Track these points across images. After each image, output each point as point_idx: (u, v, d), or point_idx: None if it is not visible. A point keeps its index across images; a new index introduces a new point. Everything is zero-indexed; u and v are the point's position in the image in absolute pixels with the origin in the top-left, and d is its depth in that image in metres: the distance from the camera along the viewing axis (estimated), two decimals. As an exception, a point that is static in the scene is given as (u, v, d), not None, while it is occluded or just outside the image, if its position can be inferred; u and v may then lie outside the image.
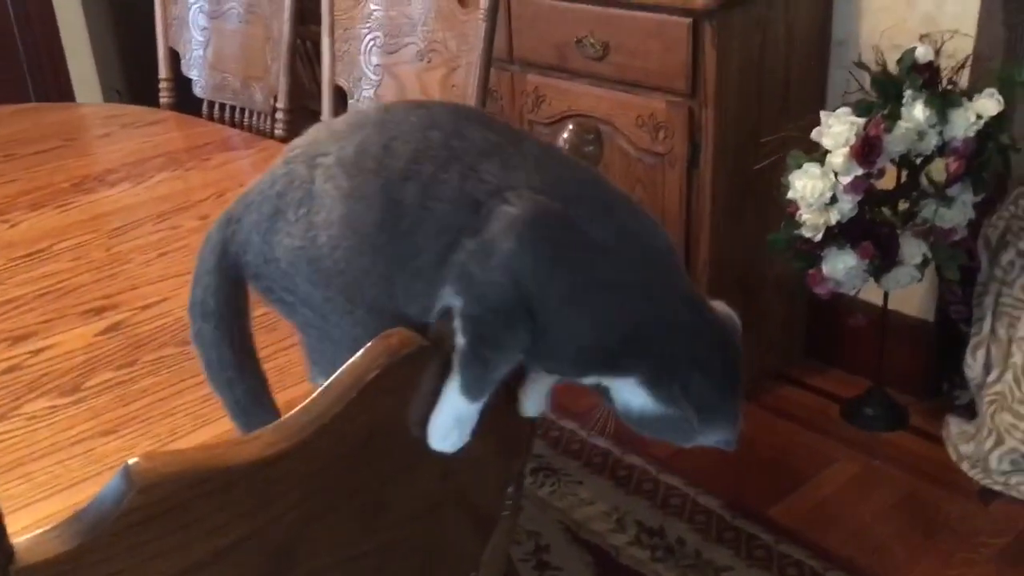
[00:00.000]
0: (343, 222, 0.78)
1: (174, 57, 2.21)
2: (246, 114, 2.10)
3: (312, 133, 0.87)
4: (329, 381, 0.58)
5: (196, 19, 2.14)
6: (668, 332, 0.77)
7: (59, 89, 3.54)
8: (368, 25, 1.78)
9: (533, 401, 0.81)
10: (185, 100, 2.22)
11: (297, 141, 0.86)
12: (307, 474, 0.56)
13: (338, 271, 0.79)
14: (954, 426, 2.26)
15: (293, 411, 0.57)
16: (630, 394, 0.77)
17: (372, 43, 1.78)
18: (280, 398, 1.10)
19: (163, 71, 2.19)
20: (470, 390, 0.70)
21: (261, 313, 1.29)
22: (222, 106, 2.15)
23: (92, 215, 1.62)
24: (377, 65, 1.77)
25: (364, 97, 1.80)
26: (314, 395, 0.57)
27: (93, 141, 2.00)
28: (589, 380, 0.78)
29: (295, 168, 0.83)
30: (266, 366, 1.16)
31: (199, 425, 1.06)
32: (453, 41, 1.61)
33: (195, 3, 2.14)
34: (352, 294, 0.77)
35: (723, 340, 0.80)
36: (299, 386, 1.12)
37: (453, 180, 0.75)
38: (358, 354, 0.58)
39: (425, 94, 1.69)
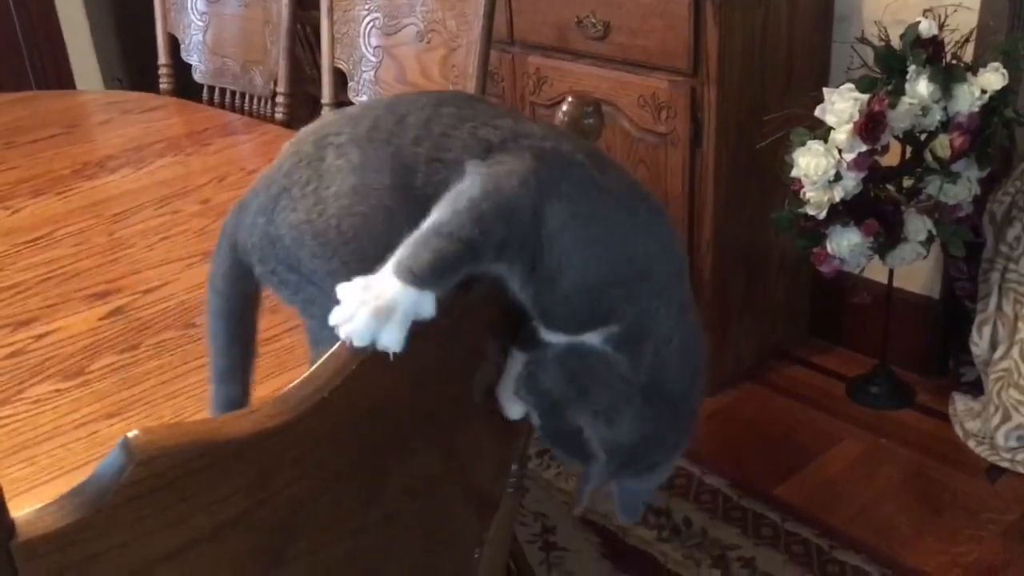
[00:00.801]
0: (354, 191, 0.79)
1: (173, 43, 2.20)
2: (246, 99, 2.09)
3: (322, 119, 0.89)
4: (328, 354, 0.57)
5: (195, 4, 2.13)
6: (666, 281, 0.76)
7: (60, 78, 3.54)
8: (367, 6, 1.77)
9: (515, 402, 0.79)
10: (185, 86, 2.22)
11: (307, 127, 0.88)
12: (307, 448, 0.56)
13: (344, 241, 0.79)
14: (960, 403, 2.26)
15: (292, 384, 0.57)
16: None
17: (371, 24, 1.77)
18: (283, 379, 1.11)
19: (162, 57, 2.19)
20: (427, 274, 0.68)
21: (264, 296, 1.29)
22: (222, 91, 2.14)
23: (93, 201, 1.62)
24: (377, 47, 1.76)
25: (364, 79, 1.79)
26: (313, 368, 0.57)
27: (93, 128, 1.99)
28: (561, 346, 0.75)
29: (303, 149, 0.84)
30: (269, 347, 1.17)
31: (203, 407, 1.06)
32: (452, 21, 1.60)
33: (194, -12, 2.13)
34: (358, 264, 0.76)
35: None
36: (302, 367, 1.12)
37: (463, 134, 0.77)
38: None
39: (425, 75, 1.68)
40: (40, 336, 1.22)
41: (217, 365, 0.95)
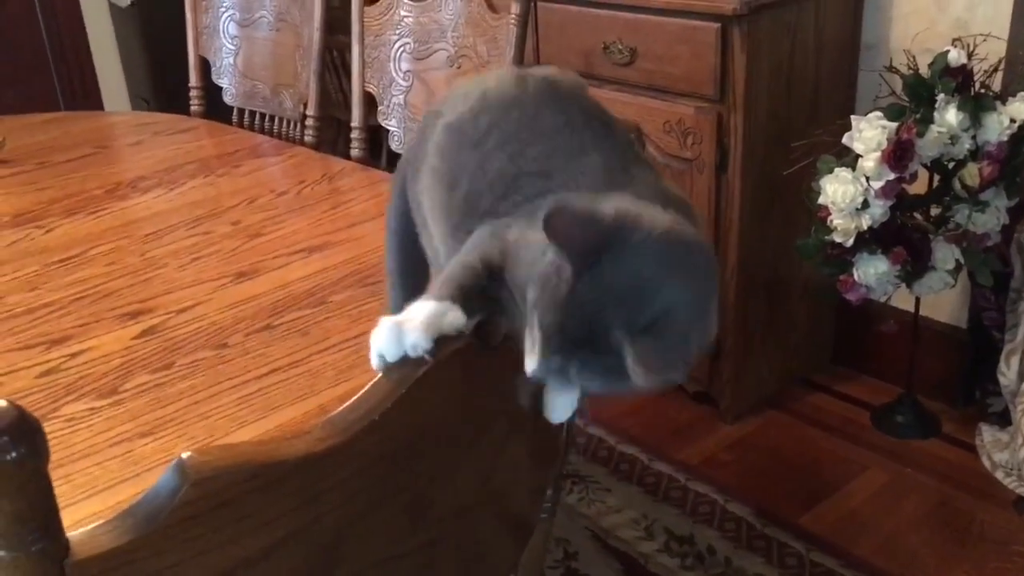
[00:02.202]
0: (430, 173, 0.94)
1: (204, 65, 2.23)
2: (275, 121, 2.11)
3: (451, 91, 1.02)
4: (377, 379, 0.58)
5: (227, 28, 2.15)
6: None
7: (87, 98, 3.58)
8: (398, 31, 1.79)
9: (561, 406, 0.81)
10: (214, 108, 2.24)
11: (446, 93, 1.04)
12: (355, 471, 0.56)
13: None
14: (987, 434, 2.24)
15: (343, 407, 0.57)
16: None
17: (402, 49, 1.78)
18: (314, 401, 1.12)
19: (193, 79, 2.21)
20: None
21: (294, 318, 1.30)
22: (252, 113, 2.16)
23: (125, 221, 1.63)
24: (407, 71, 1.78)
25: (394, 103, 1.81)
26: (363, 391, 0.57)
27: (125, 149, 2.01)
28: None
29: (428, 118, 0.99)
30: (299, 370, 1.18)
31: (235, 427, 1.07)
32: (483, 46, 1.62)
33: (225, 12, 2.15)
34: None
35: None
36: (333, 389, 1.13)
37: (503, 159, 0.86)
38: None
39: (455, 100, 1.69)
40: (74, 355, 1.23)
41: (393, 299, 1.08)
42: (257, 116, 2.15)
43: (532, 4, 1.55)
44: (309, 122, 1.99)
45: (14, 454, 0.43)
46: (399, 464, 0.60)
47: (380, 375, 0.59)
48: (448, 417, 0.64)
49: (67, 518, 0.64)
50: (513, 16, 1.53)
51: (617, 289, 0.71)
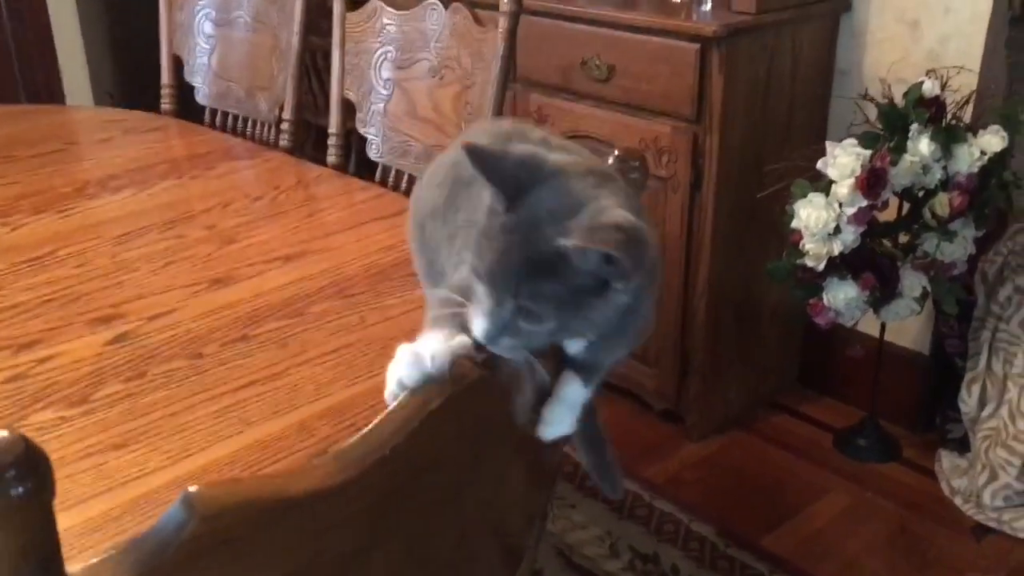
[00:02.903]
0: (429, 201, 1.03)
1: (176, 63, 2.19)
2: (249, 123, 2.08)
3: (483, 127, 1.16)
4: (386, 412, 0.56)
5: (202, 26, 2.12)
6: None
7: (50, 90, 3.50)
8: (380, 39, 1.77)
9: (557, 421, 0.81)
10: (184, 106, 2.20)
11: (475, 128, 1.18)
12: (362, 506, 0.54)
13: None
14: (947, 460, 2.27)
15: (352, 440, 0.56)
16: None
17: (383, 57, 1.76)
18: (293, 417, 1.09)
19: (165, 77, 2.17)
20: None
21: (272, 329, 1.28)
22: (224, 114, 2.12)
23: (95, 221, 1.59)
24: (388, 79, 1.76)
25: (372, 111, 1.79)
26: (372, 425, 0.55)
27: (94, 146, 1.97)
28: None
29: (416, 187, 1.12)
30: (277, 383, 1.16)
31: (212, 442, 1.04)
32: (468, 59, 1.60)
33: (201, 10, 2.12)
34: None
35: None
36: (313, 404, 1.10)
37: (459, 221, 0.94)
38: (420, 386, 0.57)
39: (437, 110, 1.68)
40: (42, 360, 1.19)
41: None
42: (230, 117, 2.11)
43: (519, 19, 1.54)
44: (284, 126, 1.96)
45: (21, 489, 0.41)
46: (405, 497, 0.59)
47: (390, 407, 0.58)
48: (455, 449, 0.63)
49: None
50: (501, 31, 1.52)
51: (549, 207, 0.76)
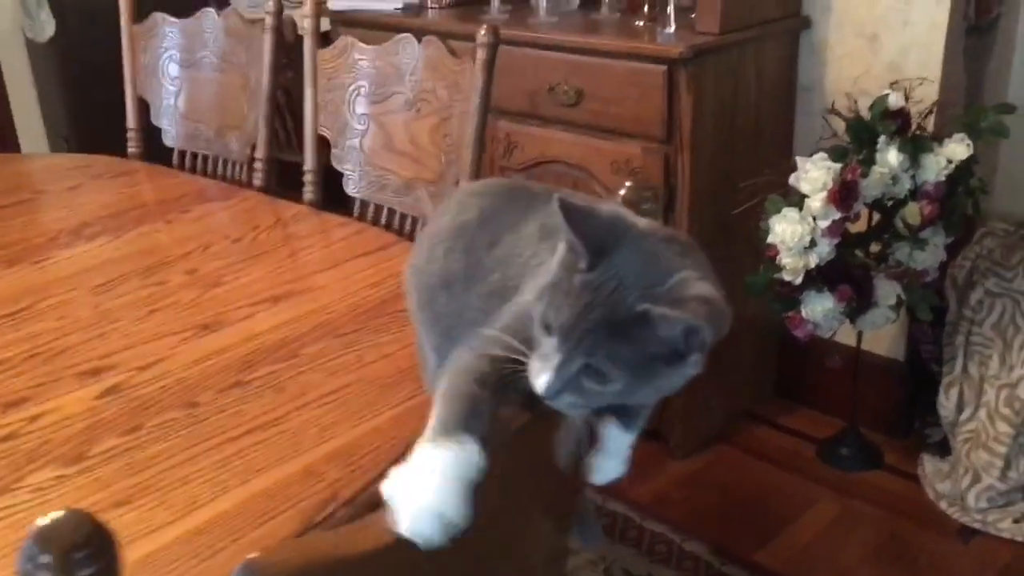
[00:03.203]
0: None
1: (141, 106, 2.16)
2: (220, 163, 2.05)
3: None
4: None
5: (166, 68, 2.09)
6: None
7: (2, 135, 3.44)
8: (352, 75, 1.76)
9: (608, 468, 0.83)
10: (150, 149, 2.17)
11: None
12: (421, 558, 0.53)
13: None
14: (929, 464, 2.29)
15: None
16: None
17: (356, 92, 1.76)
18: (299, 462, 1.07)
19: (131, 120, 2.14)
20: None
21: (267, 373, 1.26)
22: (193, 155, 2.10)
23: (72, 271, 1.56)
24: (363, 114, 1.75)
25: (348, 146, 1.78)
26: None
27: (63, 194, 1.93)
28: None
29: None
30: (279, 428, 1.14)
31: (218, 493, 1.02)
32: (444, 91, 1.60)
33: (165, 52, 2.09)
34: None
35: None
36: (319, 448, 1.09)
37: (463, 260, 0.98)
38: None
39: (414, 143, 1.67)
40: (33, 417, 1.16)
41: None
42: (199, 158, 2.09)
43: (497, 50, 1.54)
44: (258, 165, 1.94)
45: (90, 571, 0.39)
46: (460, 547, 0.57)
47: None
48: (499, 500, 0.61)
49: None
50: (479, 62, 1.52)
51: (632, 268, 0.76)
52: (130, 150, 2.15)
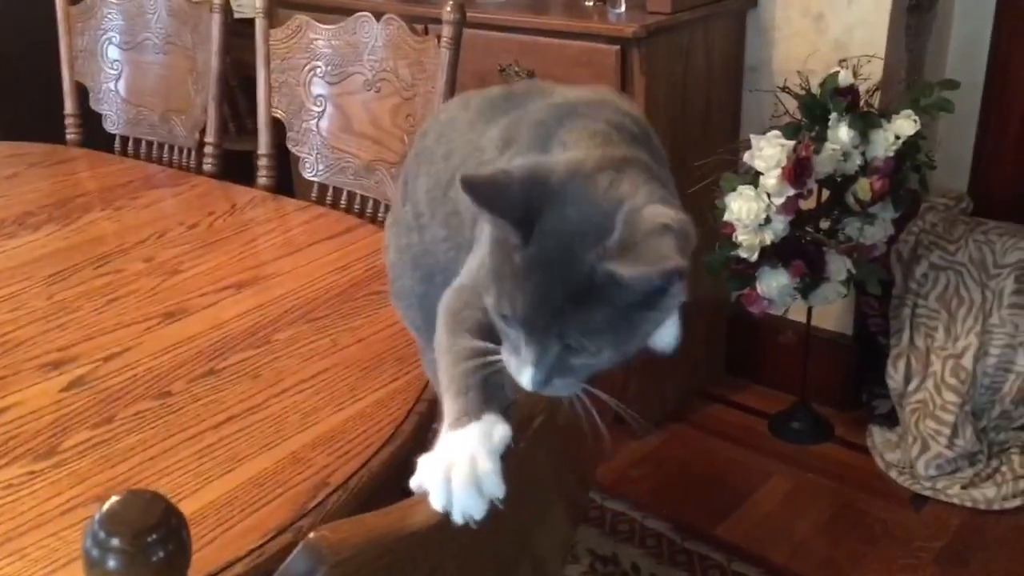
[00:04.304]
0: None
1: (79, 91, 2.08)
2: (165, 149, 1.99)
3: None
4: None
5: (105, 51, 2.02)
6: None
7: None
8: (307, 54, 1.72)
9: (668, 331, 0.84)
10: (89, 136, 2.09)
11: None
12: (470, 533, 0.51)
13: None
14: (878, 435, 2.34)
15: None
16: None
17: (312, 73, 1.72)
18: (284, 448, 1.05)
19: (69, 106, 2.06)
20: None
21: (240, 360, 1.22)
22: (137, 141, 2.03)
23: (21, 261, 1.50)
24: (319, 95, 1.71)
25: (304, 128, 1.74)
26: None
27: (1, 183, 1.85)
28: None
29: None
30: (259, 415, 1.11)
31: (202, 484, 0.98)
32: (406, 70, 1.57)
33: (104, 35, 2.02)
34: None
35: None
36: (303, 434, 1.06)
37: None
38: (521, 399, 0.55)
39: (375, 124, 1.64)
40: (-3, 413, 1.11)
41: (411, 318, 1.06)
42: (143, 144, 2.02)
43: (463, 29, 1.52)
44: (209, 150, 1.88)
45: (162, 553, 0.37)
46: (503, 521, 0.56)
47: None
48: (527, 482, 0.60)
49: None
50: (445, 40, 1.50)
51: (571, 225, 0.68)
52: (68, 136, 2.07)
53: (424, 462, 0.61)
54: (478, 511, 0.56)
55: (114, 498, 0.40)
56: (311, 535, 0.45)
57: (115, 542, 0.37)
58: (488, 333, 0.75)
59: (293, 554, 0.44)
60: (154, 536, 0.37)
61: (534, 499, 0.65)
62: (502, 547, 0.61)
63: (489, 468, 0.59)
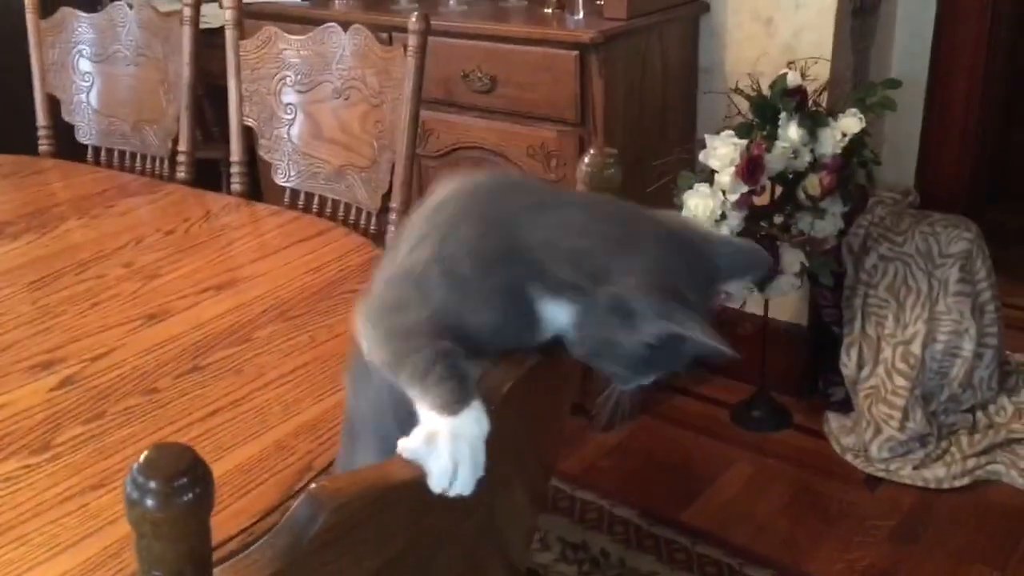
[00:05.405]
0: None
1: (51, 103, 2.12)
2: (137, 159, 2.04)
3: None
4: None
5: (76, 63, 2.07)
6: None
7: None
8: (277, 64, 1.78)
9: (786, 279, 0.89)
10: (61, 147, 2.13)
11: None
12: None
13: None
14: (834, 421, 2.44)
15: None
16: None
17: (282, 82, 1.78)
18: (269, 437, 1.11)
19: (41, 118, 2.10)
20: None
21: (222, 357, 1.28)
22: (109, 152, 2.08)
23: (2, 269, 1.54)
24: (289, 103, 1.77)
25: (276, 136, 1.80)
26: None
27: (-24, 193, 1.89)
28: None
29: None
30: (243, 408, 1.17)
31: (193, 471, 1.04)
32: (374, 78, 1.64)
33: (75, 47, 2.07)
34: None
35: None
36: (286, 424, 1.12)
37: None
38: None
39: (345, 131, 1.70)
40: (-10, 412, 1.16)
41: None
42: (116, 154, 2.07)
43: (427, 38, 1.59)
44: (182, 159, 1.93)
45: (189, 495, 0.44)
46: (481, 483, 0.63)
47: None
48: (500, 447, 0.66)
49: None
50: (411, 48, 1.56)
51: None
52: (41, 148, 2.12)
53: (422, 447, 0.63)
54: (468, 490, 0.62)
55: (149, 449, 0.46)
56: (312, 486, 0.51)
57: (152, 484, 0.44)
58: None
59: (297, 503, 0.51)
60: (184, 480, 0.44)
61: (494, 476, 0.70)
62: (481, 504, 0.67)
63: (483, 455, 0.65)
